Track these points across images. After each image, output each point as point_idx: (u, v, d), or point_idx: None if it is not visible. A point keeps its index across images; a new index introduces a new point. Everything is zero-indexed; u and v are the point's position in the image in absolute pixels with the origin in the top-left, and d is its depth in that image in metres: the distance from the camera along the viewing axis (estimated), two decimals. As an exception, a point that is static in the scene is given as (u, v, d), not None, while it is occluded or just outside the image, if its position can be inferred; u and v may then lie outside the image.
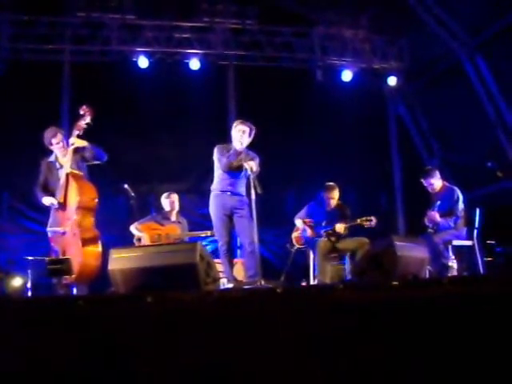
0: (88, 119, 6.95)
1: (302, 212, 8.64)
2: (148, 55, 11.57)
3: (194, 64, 11.78)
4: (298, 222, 8.61)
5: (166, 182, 10.86)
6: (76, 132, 6.90)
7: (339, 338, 3.17)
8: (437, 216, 7.72)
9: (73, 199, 6.69)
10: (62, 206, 6.76)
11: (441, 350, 3.18)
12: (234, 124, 7.00)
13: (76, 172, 6.87)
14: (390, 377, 3.06)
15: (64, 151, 7.00)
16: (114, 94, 10.67)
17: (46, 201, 6.89)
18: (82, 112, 6.99)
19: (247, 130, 6.89)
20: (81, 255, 6.45)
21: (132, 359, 2.92)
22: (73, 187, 6.72)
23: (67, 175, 6.77)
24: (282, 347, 3.08)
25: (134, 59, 11.52)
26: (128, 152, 11.02)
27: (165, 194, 8.99)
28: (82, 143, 6.92)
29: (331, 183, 8.48)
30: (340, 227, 8.10)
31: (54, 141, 7.03)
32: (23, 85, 10.43)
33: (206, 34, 11.91)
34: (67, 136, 7.05)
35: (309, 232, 8.40)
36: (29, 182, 8.25)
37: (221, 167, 6.85)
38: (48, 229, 6.87)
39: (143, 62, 11.49)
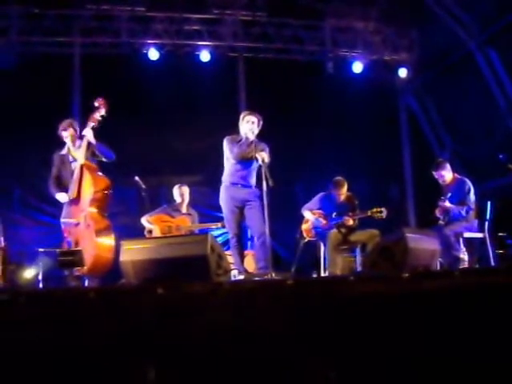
0: (103, 111, 6.97)
1: (312, 203, 8.63)
2: (158, 47, 11.60)
3: (204, 56, 11.82)
4: (307, 214, 8.61)
5: (177, 174, 10.88)
6: (91, 124, 6.92)
7: (350, 330, 3.18)
8: (447, 202, 7.70)
9: (87, 191, 6.70)
10: (76, 198, 6.77)
11: (452, 341, 3.18)
12: (242, 115, 6.97)
13: (90, 164, 6.89)
14: (401, 368, 3.06)
15: (76, 144, 7.02)
16: (125, 86, 10.67)
17: (59, 197, 6.92)
18: (96, 104, 7.00)
19: (256, 120, 6.87)
20: (94, 247, 6.46)
21: (142, 351, 2.93)
22: (87, 179, 6.73)
23: (81, 166, 6.77)
24: (293, 339, 3.09)
25: (145, 51, 11.55)
26: (138, 144, 11.04)
27: (176, 186, 9.00)
28: (92, 139, 6.92)
29: (339, 178, 8.45)
30: (349, 220, 8.13)
31: (64, 134, 7.06)
32: (33, 78, 10.45)
33: (216, 26, 11.93)
34: (81, 128, 7.07)
35: (323, 222, 8.39)
36: (40, 174, 8.29)
37: (233, 157, 6.81)
38: (61, 220, 6.88)
39: (153, 55, 11.52)
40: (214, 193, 7.33)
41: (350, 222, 8.18)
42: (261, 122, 6.93)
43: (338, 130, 11.81)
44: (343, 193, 8.42)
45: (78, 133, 7.07)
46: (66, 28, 11.23)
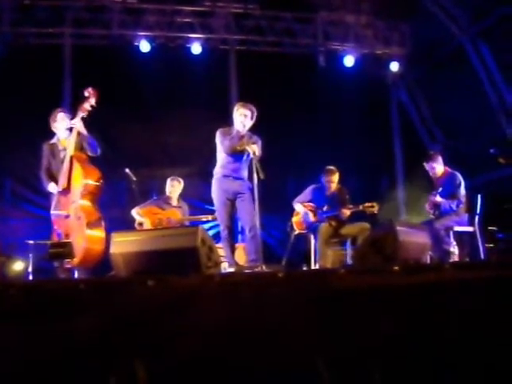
0: (93, 101, 6.90)
1: (303, 196, 8.65)
2: (150, 39, 11.56)
3: (196, 48, 11.80)
4: (298, 207, 8.61)
5: (168, 166, 10.87)
6: (81, 114, 6.86)
7: (340, 323, 3.18)
8: (438, 197, 7.74)
9: (77, 182, 6.65)
10: (66, 189, 6.73)
11: (440, 334, 3.19)
12: (236, 107, 6.95)
13: (80, 154, 6.85)
14: (387, 363, 3.06)
15: (67, 131, 6.98)
16: (116, 78, 10.64)
17: (51, 188, 6.88)
18: (86, 94, 6.94)
19: (249, 113, 6.85)
20: (84, 239, 6.42)
21: (132, 343, 2.92)
22: (77, 170, 6.68)
23: (71, 158, 6.73)
24: (282, 331, 3.09)
25: (136, 43, 11.52)
26: (129, 136, 11.01)
27: (170, 178, 8.97)
28: (82, 129, 6.88)
29: (331, 167, 8.50)
30: (346, 212, 8.14)
31: (55, 125, 7.03)
32: (24, 69, 10.39)
33: (208, 18, 11.90)
34: (71, 118, 7.02)
35: (311, 217, 8.40)
36: (30, 166, 8.24)
37: (223, 150, 6.82)
38: (51, 212, 6.84)
39: (145, 47, 11.49)
40: (206, 185, 7.32)
41: (348, 214, 8.20)
42: (255, 115, 6.90)
43: (329, 123, 11.81)
44: (334, 180, 8.44)
45: (69, 120, 7.01)
46: (58, 19, 11.16)
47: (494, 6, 10.43)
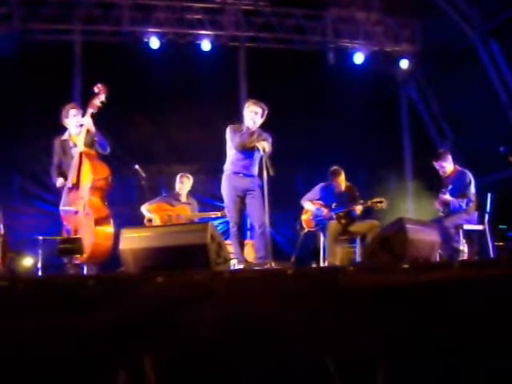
0: (102, 97, 6.90)
1: (312, 194, 8.64)
2: (159, 36, 11.56)
3: (206, 45, 11.79)
4: (307, 205, 8.60)
5: (177, 162, 10.90)
6: (90, 110, 6.85)
7: (348, 321, 3.18)
8: (447, 195, 7.71)
9: (86, 178, 6.67)
10: (75, 185, 6.75)
11: (450, 332, 3.18)
12: (247, 104, 6.95)
13: (89, 151, 6.86)
14: (395, 360, 3.06)
15: (78, 128, 6.97)
16: (125, 74, 10.63)
17: (59, 183, 6.91)
18: (96, 90, 6.93)
19: (260, 110, 6.85)
20: (93, 235, 6.44)
21: (140, 339, 2.93)
22: (86, 166, 6.69)
23: (80, 154, 6.74)
24: (291, 328, 3.09)
25: (146, 40, 11.52)
26: (139, 133, 11.04)
27: (179, 174, 8.99)
28: (91, 127, 6.88)
29: (335, 168, 8.47)
30: (359, 208, 8.11)
31: (66, 121, 7.03)
32: (34, 65, 10.42)
33: (218, 15, 11.89)
34: (83, 114, 7.01)
35: (325, 211, 8.38)
36: (39, 162, 8.23)
37: (233, 146, 6.82)
38: (61, 208, 6.86)
39: (155, 43, 11.49)
40: (215, 182, 7.33)
41: (361, 209, 8.18)
42: (265, 112, 6.90)
43: (338, 120, 11.77)
44: (341, 181, 8.43)
45: (80, 116, 7.00)
46: (67, 16, 11.18)
47: (506, 5, 10.40)
